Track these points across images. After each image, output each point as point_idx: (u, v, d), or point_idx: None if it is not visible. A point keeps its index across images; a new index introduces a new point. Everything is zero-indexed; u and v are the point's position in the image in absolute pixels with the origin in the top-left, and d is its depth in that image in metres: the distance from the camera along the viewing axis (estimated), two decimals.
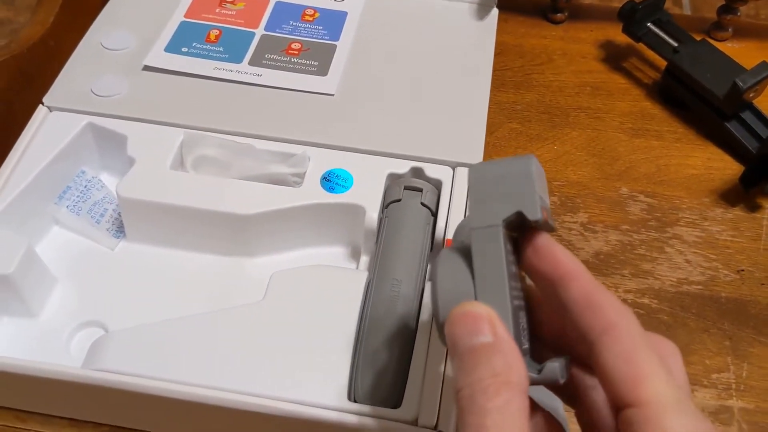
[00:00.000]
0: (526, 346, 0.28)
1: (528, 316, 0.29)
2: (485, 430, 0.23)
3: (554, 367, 0.26)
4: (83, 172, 0.46)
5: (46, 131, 0.44)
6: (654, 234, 0.49)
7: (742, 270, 0.47)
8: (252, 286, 0.41)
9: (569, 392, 0.28)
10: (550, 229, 0.29)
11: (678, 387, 0.24)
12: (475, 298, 0.27)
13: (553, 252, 0.27)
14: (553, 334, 0.29)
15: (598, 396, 0.27)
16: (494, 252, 0.26)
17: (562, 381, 0.26)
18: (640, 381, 0.23)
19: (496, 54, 0.50)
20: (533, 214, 0.26)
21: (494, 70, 0.49)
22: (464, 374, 0.24)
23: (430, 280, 0.28)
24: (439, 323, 0.27)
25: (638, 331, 0.25)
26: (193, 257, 0.43)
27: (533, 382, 0.26)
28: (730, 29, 0.61)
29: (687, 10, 0.73)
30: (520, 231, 0.28)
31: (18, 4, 1.04)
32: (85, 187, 0.45)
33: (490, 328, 0.25)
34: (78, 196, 0.45)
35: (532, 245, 0.27)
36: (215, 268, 0.43)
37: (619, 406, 0.24)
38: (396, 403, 0.35)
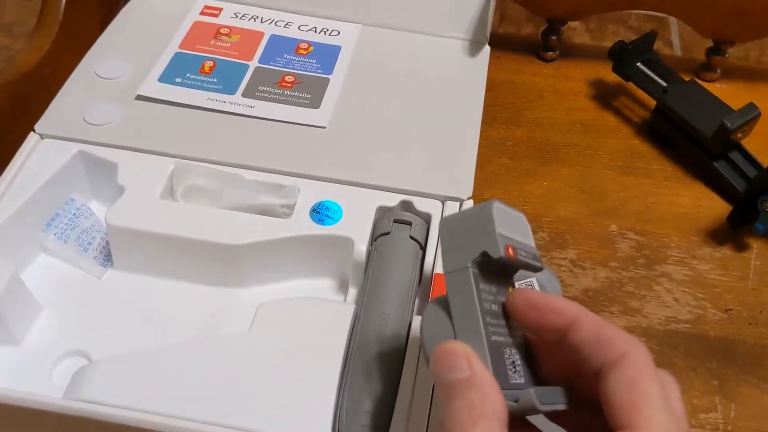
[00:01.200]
0: (520, 380, 0.28)
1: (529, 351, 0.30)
2: None
3: (529, 393, 0.27)
4: (72, 200, 0.46)
5: (37, 158, 0.44)
6: (642, 272, 0.49)
7: (730, 309, 0.47)
8: (240, 317, 0.41)
9: (578, 427, 0.29)
10: (535, 269, 0.31)
11: (674, 416, 0.25)
12: (455, 338, 0.28)
13: (551, 304, 0.28)
14: (555, 375, 0.30)
15: (585, 415, 0.29)
16: (466, 292, 0.28)
17: (541, 408, 0.27)
18: (636, 407, 0.25)
19: (488, 90, 0.51)
20: (495, 252, 0.28)
21: (486, 106, 0.50)
22: (445, 407, 0.26)
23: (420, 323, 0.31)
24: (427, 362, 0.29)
25: (646, 360, 0.26)
26: (180, 287, 0.43)
27: (513, 411, 0.26)
28: (718, 70, 0.61)
29: (678, 51, 0.74)
30: (502, 279, 0.30)
31: (15, 32, 1.05)
32: (74, 215, 0.45)
33: (467, 363, 0.27)
34: (66, 224, 0.45)
35: (529, 305, 0.28)
36: (203, 299, 0.43)
37: (615, 427, 0.25)
38: None
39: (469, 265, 0.28)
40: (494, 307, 0.29)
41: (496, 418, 0.25)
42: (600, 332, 0.27)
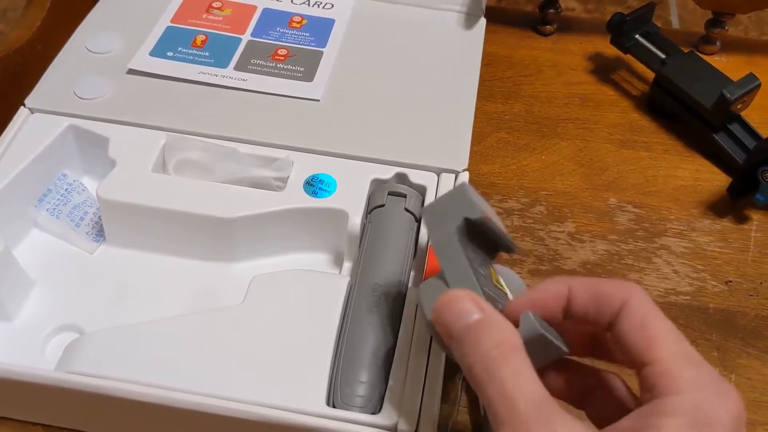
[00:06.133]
0: None
1: None
2: (509, 396, 0.25)
3: (527, 316, 0.28)
4: (64, 175, 0.45)
5: (27, 133, 0.44)
6: (642, 244, 0.48)
7: (730, 281, 0.47)
8: (233, 291, 0.41)
9: (576, 395, 0.31)
10: (509, 244, 0.33)
11: (687, 344, 0.27)
12: None
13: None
14: None
15: (603, 392, 0.30)
16: (456, 253, 0.30)
17: (543, 333, 0.28)
18: (653, 343, 0.26)
19: (486, 64, 0.50)
20: (475, 214, 0.31)
21: (483, 81, 0.49)
22: (470, 352, 0.26)
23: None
24: (429, 323, 0.30)
25: (647, 299, 0.28)
26: (173, 261, 0.43)
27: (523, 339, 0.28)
28: (717, 43, 0.61)
29: (675, 24, 0.73)
30: (484, 253, 0.32)
31: (9, 17, 1.04)
32: (66, 190, 0.45)
33: (475, 305, 0.28)
34: (58, 199, 0.44)
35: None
36: (196, 273, 0.42)
37: (638, 367, 0.27)
38: (375, 409, 0.34)
39: (454, 230, 0.31)
40: (482, 271, 0.30)
41: (521, 348, 0.26)
42: (595, 290, 0.28)
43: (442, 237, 0.31)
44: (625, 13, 0.56)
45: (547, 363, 0.30)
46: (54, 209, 0.44)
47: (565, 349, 0.29)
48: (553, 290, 0.29)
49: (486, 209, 0.32)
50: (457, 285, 0.30)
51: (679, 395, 0.25)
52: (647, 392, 0.26)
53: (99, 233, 0.44)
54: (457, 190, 0.32)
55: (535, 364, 0.26)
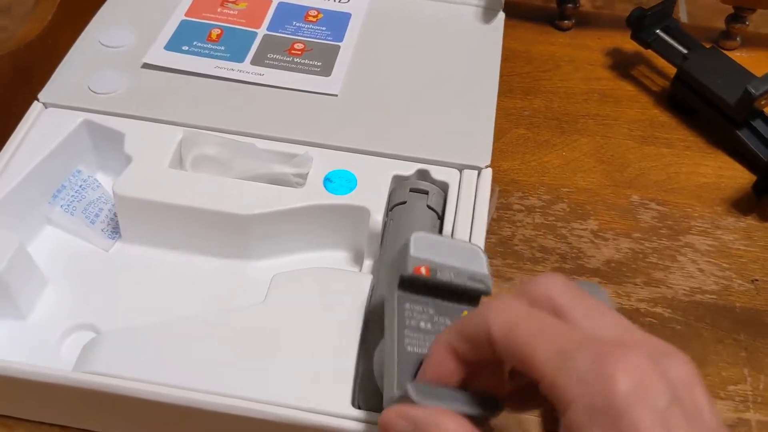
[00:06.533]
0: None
1: None
2: None
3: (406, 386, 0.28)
4: (79, 172, 0.44)
5: (41, 128, 0.43)
6: (666, 242, 0.47)
7: (757, 280, 0.46)
8: (251, 289, 0.40)
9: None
10: (471, 291, 0.32)
11: (561, 334, 0.25)
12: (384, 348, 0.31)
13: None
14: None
15: None
16: (388, 312, 0.31)
17: (421, 401, 0.27)
18: (527, 359, 0.24)
19: (504, 60, 0.49)
20: (404, 270, 0.31)
21: (502, 76, 0.48)
22: None
23: None
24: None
25: (505, 316, 0.26)
26: (190, 259, 0.42)
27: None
28: (738, 38, 0.60)
29: (684, 19, 0.72)
30: (449, 301, 0.32)
31: (14, 13, 1.04)
32: (81, 186, 0.44)
33: (402, 422, 0.26)
34: (73, 196, 0.43)
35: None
36: (213, 271, 0.42)
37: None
38: None
39: (395, 286, 0.31)
40: (424, 324, 0.31)
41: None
42: (465, 335, 0.27)
43: (385, 293, 0.32)
44: (639, 8, 0.55)
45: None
46: (68, 206, 0.43)
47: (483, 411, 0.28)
48: (437, 361, 0.27)
49: (446, 259, 0.31)
50: (385, 344, 0.30)
51: (569, 410, 0.23)
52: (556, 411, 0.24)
53: (114, 230, 0.43)
54: (405, 243, 0.32)
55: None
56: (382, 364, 0.31)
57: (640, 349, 0.23)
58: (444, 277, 0.31)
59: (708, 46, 0.55)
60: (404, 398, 0.27)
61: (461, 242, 0.35)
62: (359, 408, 0.33)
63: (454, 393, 0.28)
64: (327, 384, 0.34)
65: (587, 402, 0.22)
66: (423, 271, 0.31)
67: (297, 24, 0.50)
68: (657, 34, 0.55)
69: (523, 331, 0.25)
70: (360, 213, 0.41)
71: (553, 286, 0.27)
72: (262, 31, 0.50)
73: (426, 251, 0.32)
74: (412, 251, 0.31)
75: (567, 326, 0.25)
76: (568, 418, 0.23)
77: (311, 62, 0.48)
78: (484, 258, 0.33)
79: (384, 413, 0.27)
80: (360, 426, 0.33)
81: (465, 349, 0.27)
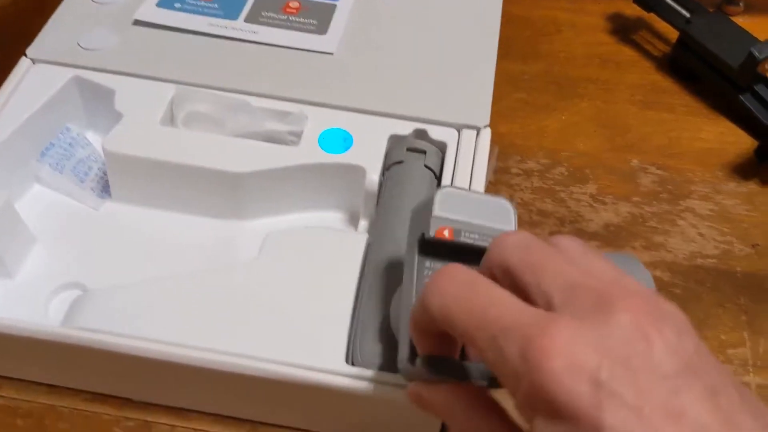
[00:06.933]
0: None
1: None
2: None
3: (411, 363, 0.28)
4: (68, 129, 0.43)
5: (29, 84, 0.42)
6: (666, 206, 0.46)
7: (757, 244, 0.45)
8: (244, 249, 0.39)
9: None
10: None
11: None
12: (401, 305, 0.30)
13: None
14: None
15: None
16: (407, 266, 0.30)
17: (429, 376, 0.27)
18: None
19: (503, 24, 0.48)
20: (427, 231, 0.30)
21: (501, 40, 0.47)
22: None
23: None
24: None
25: (458, 322, 0.24)
26: (181, 219, 0.41)
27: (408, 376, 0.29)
28: (741, 4, 0.59)
29: None
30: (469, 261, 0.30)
31: None
32: (70, 144, 0.43)
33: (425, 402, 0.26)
34: (62, 154, 0.42)
35: None
36: (205, 230, 0.41)
37: None
38: (395, 367, 0.33)
39: (415, 247, 0.30)
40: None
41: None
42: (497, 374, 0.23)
43: (407, 249, 0.31)
44: None
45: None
46: (57, 164, 0.42)
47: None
48: (417, 342, 0.27)
49: (470, 217, 0.31)
50: (401, 301, 0.30)
51: (516, 401, 0.22)
52: None
53: (104, 189, 0.42)
54: (429, 199, 0.31)
55: None
56: (398, 317, 0.30)
57: (563, 320, 0.21)
58: (467, 239, 0.31)
59: (711, 11, 0.54)
60: (416, 373, 0.27)
61: (490, 197, 0.33)
62: (353, 365, 0.33)
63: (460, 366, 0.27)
64: (321, 341, 0.33)
65: (525, 394, 0.21)
66: (446, 233, 0.30)
67: None
68: None
69: (458, 316, 0.23)
70: (356, 172, 0.40)
71: (505, 248, 0.25)
72: None
73: (451, 209, 0.31)
74: (437, 210, 0.31)
75: (502, 304, 0.23)
76: (518, 409, 0.22)
77: (306, 21, 0.47)
78: (513, 214, 0.32)
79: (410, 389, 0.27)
80: (354, 382, 0.32)
81: (432, 328, 0.25)
